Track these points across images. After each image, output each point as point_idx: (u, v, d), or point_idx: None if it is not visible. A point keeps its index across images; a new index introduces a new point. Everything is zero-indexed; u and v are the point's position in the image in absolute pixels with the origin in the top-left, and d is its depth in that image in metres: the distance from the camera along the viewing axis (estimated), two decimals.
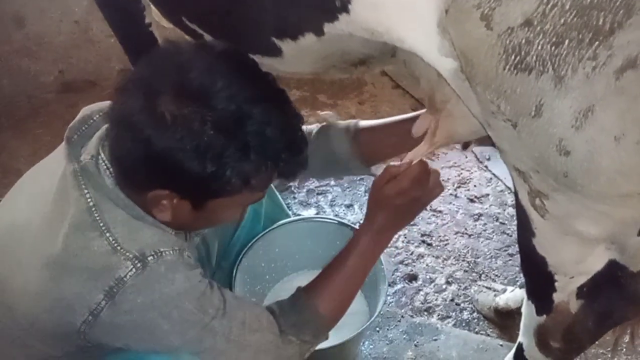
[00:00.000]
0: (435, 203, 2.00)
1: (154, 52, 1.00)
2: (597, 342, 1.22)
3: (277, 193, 1.72)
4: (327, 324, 1.18)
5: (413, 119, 1.25)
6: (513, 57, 0.73)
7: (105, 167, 0.99)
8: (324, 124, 1.38)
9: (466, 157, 2.43)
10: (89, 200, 0.97)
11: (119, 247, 0.95)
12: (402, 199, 1.16)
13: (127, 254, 0.95)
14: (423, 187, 1.17)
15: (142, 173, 0.94)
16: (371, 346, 1.71)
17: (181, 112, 0.89)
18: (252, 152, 0.92)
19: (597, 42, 0.68)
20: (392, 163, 1.21)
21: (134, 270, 0.94)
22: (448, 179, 2.33)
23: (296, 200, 2.25)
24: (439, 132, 1.17)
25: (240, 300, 1.11)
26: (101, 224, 0.96)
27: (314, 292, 1.17)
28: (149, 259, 0.95)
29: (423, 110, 1.24)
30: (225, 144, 0.90)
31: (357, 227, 1.63)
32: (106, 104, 1.10)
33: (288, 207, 1.89)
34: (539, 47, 0.71)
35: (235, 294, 1.14)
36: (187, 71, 0.91)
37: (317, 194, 2.28)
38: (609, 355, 1.69)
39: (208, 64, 0.92)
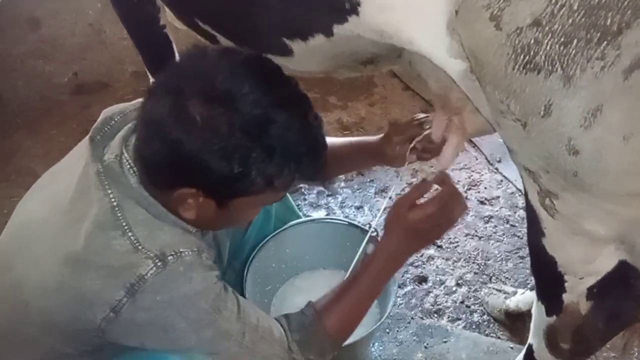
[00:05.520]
0: None
1: (180, 57, 1.02)
2: (607, 345, 1.21)
3: (288, 194, 1.73)
4: (334, 343, 1.18)
5: (361, 143, 1.43)
6: (522, 56, 0.74)
7: (129, 166, 1.01)
8: None
9: (476, 159, 2.43)
10: (112, 199, 0.99)
11: (140, 247, 0.96)
12: (426, 225, 1.14)
13: (148, 252, 0.96)
14: (450, 212, 1.15)
15: (170, 172, 0.96)
16: (381, 347, 1.71)
17: (210, 115, 0.91)
18: (276, 155, 0.94)
19: (605, 42, 0.68)
20: (421, 178, 1.18)
21: (154, 268, 0.95)
22: (458, 181, 2.32)
23: (306, 202, 2.26)
24: (468, 126, 1.16)
25: (254, 308, 1.12)
26: (123, 224, 0.97)
27: (323, 310, 1.16)
28: (169, 258, 0.97)
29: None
30: (251, 147, 0.92)
31: (366, 228, 1.64)
32: (126, 105, 1.12)
33: (298, 208, 1.89)
34: (548, 47, 0.71)
35: (248, 301, 1.15)
36: (214, 76, 0.93)
37: (327, 195, 2.29)
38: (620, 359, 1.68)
39: (234, 69, 0.94)
